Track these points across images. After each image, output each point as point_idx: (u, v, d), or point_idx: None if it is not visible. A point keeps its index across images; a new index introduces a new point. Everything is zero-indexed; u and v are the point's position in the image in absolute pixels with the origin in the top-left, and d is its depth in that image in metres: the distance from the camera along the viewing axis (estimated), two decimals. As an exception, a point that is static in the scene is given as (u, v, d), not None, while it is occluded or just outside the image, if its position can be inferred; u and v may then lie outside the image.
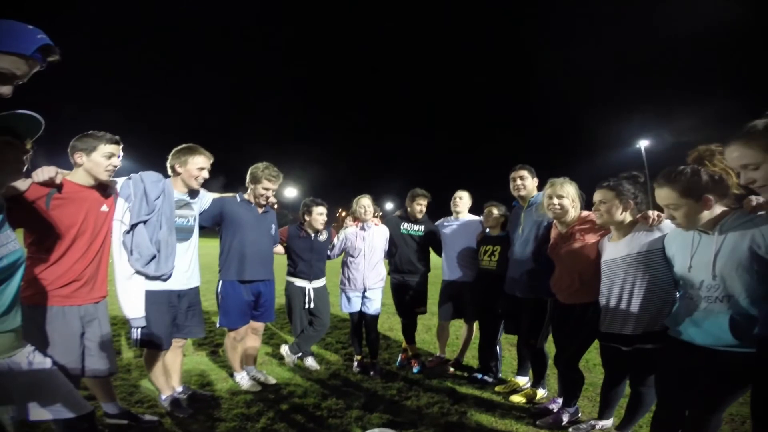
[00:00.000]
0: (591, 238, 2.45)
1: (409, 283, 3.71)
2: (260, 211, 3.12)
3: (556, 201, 2.59)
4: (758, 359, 1.47)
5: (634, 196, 2.20)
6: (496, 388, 3.20)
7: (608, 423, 2.52)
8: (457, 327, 4.57)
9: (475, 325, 3.71)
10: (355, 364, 3.63)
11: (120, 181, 2.37)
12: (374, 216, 3.71)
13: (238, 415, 2.62)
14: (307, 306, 3.57)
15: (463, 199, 3.77)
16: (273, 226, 3.25)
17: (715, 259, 1.64)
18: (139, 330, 2.39)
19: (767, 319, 1.47)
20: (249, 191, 3.11)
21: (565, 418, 2.59)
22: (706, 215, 1.67)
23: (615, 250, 2.22)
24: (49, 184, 1.97)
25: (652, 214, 2.13)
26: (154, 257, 2.38)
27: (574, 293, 2.49)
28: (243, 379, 3.11)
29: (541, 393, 3.08)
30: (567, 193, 2.58)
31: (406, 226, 3.74)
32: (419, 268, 3.71)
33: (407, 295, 3.72)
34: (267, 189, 3.05)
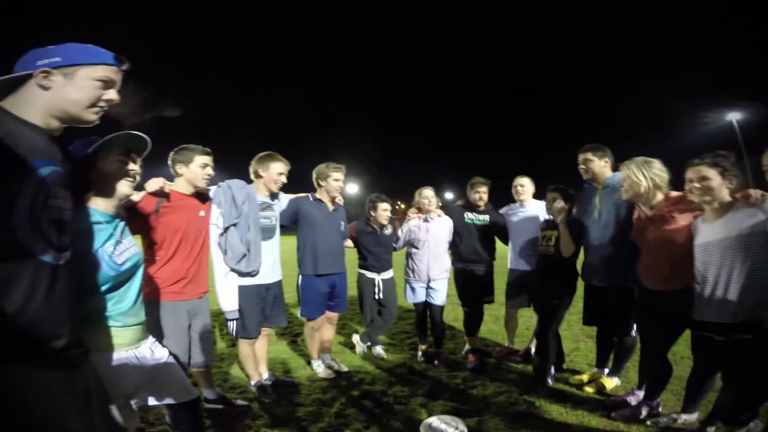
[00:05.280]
0: (683, 220, 2.27)
1: (474, 272, 3.67)
2: (331, 209, 3.35)
3: (624, 184, 2.48)
4: None
5: (734, 173, 2.02)
6: (571, 380, 3.09)
7: (692, 417, 2.34)
8: (527, 317, 4.46)
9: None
10: (420, 353, 3.75)
11: (212, 189, 2.69)
12: (436, 207, 3.75)
13: (315, 401, 2.88)
14: (376, 297, 3.73)
15: (525, 186, 3.66)
16: (342, 223, 3.47)
17: None
18: (234, 322, 2.74)
19: None
20: (319, 190, 3.34)
21: (644, 412, 2.44)
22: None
23: (710, 233, 2.06)
24: (159, 193, 2.29)
25: (755, 192, 1.94)
26: (245, 256, 2.67)
27: (664, 279, 2.34)
28: (319, 366, 3.39)
29: (614, 382, 2.94)
30: (627, 176, 2.44)
31: (470, 216, 3.70)
32: (485, 257, 3.67)
33: (473, 285, 3.69)
34: (337, 180, 3.28)
